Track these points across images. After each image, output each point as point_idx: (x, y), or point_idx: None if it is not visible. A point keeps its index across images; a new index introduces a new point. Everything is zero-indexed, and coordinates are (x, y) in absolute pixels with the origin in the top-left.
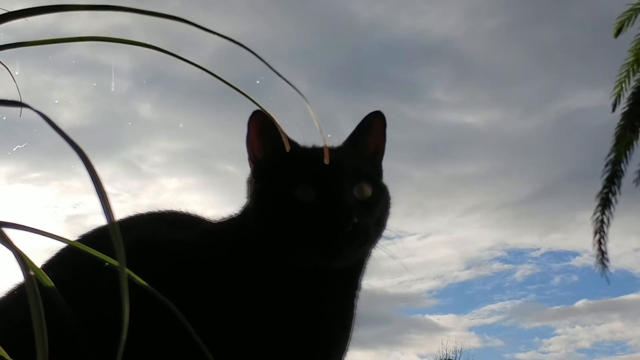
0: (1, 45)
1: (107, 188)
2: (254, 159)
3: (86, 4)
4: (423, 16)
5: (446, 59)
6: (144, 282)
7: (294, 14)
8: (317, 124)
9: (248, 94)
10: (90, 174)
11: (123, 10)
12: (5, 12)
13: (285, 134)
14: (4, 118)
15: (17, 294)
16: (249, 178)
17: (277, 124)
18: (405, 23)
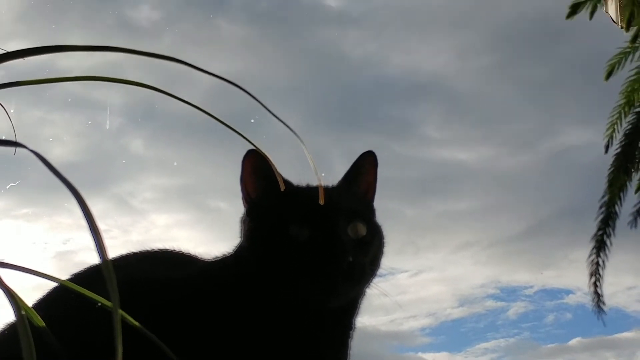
0: None
1: (99, 224)
2: (247, 198)
3: (83, 45)
4: (415, 54)
5: (438, 96)
6: (136, 323)
7: (287, 51)
8: (312, 163)
9: (242, 132)
10: (84, 214)
11: (118, 51)
12: (4, 52)
13: (279, 174)
14: None
15: (8, 333)
16: (242, 217)
17: (271, 163)
18: (397, 61)
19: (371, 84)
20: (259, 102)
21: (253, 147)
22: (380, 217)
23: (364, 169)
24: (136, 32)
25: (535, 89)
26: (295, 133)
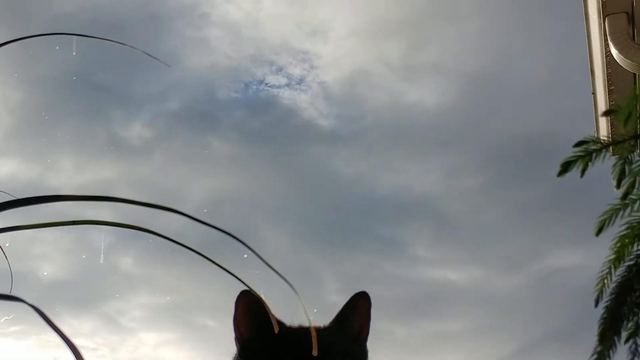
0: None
1: (87, 342)
2: (240, 339)
3: (79, 195)
4: (404, 174)
5: (427, 216)
6: None
7: (278, 169)
8: (306, 314)
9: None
10: None
11: (113, 201)
12: (9, 200)
13: (274, 316)
14: None
15: None
16: (235, 357)
17: (265, 305)
18: (387, 180)
19: (362, 202)
20: (254, 252)
21: (246, 288)
22: (370, 338)
23: (357, 310)
24: (127, 149)
25: (524, 210)
26: (289, 283)
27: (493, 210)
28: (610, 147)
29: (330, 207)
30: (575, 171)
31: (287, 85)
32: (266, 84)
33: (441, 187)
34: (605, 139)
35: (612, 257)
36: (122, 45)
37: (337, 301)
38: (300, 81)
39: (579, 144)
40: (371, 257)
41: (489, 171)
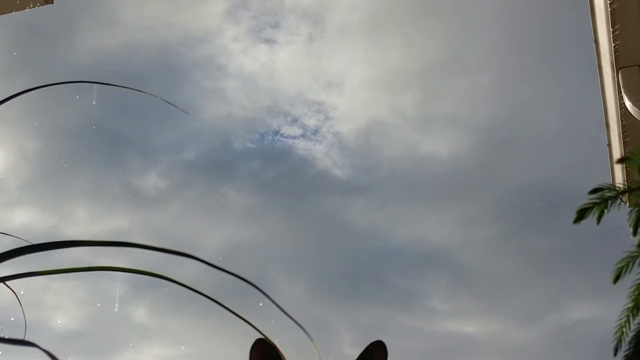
0: (11, 276)
1: None
2: None
3: (95, 240)
4: (419, 224)
5: (443, 267)
6: None
7: (293, 219)
8: (320, 359)
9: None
10: None
11: (128, 246)
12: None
13: None
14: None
15: None
16: None
17: (280, 353)
18: (402, 231)
19: (377, 253)
20: (271, 299)
21: (261, 336)
22: None
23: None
24: (143, 198)
25: (541, 260)
26: (306, 332)
27: (509, 260)
28: (626, 194)
29: (346, 258)
30: (591, 218)
31: (303, 135)
32: (281, 134)
33: (457, 238)
34: (621, 186)
35: (630, 305)
36: (140, 94)
37: (352, 354)
38: (316, 132)
39: (594, 191)
40: (387, 308)
41: (504, 221)
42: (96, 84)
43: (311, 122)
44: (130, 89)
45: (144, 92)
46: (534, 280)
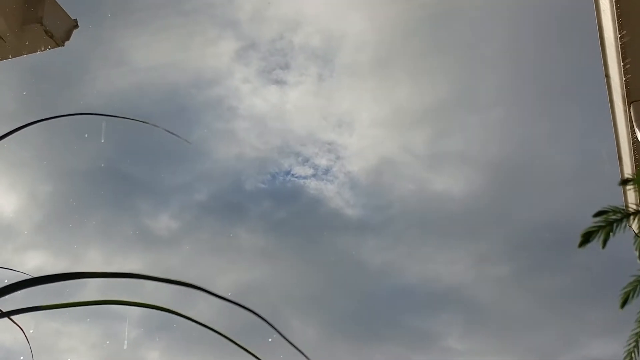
0: (18, 310)
1: None
2: None
3: (101, 272)
4: (432, 263)
5: (457, 306)
6: None
7: (305, 259)
8: None
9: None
10: None
11: (136, 278)
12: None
13: None
14: None
15: None
16: None
17: None
18: (415, 269)
19: (390, 292)
20: (282, 335)
21: None
22: None
23: None
24: (155, 240)
25: (555, 298)
26: None
27: (523, 298)
28: (631, 217)
29: (359, 297)
30: (597, 242)
31: (314, 175)
32: (293, 174)
33: (470, 276)
34: (625, 208)
35: (638, 330)
36: (147, 130)
37: None
38: (327, 171)
39: (598, 214)
40: (401, 348)
41: (516, 258)
42: (102, 116)
43: (322, 161)
44: (134, 119)
45: (147, 123)
46: (548, 317)
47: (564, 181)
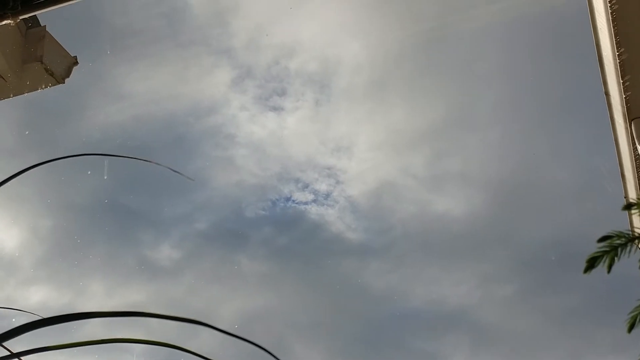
0: (28, 350)
1: None
2: None
3: (106, 311)
4: (436, 285)
5: (463, 327)
6: None
7: (308, 285)
8: None
9: None
10: None
11: (141, 316)
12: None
13: None
14: None
15: None
16: None
17: None
18: (419, 292)
19: (395, 315)
20: None
21: None
22: None
23: None
24: (157, 271)
25: (561, 316)
26: None
27: (528, 318)
28: (636, 241)
29: (363, 321)
30: (602, 267)
31: (314, 201)
32: (293, 200)
33: (475, 297)
34: (630, 232)
35: None
36: (148, 166)
37: None
38: (327, 196)
39: (603, 239)
40: None
41: (521, 278)
42: (105, 156)
43: (322, 187)
44: (137, 159)
45: (150, 162)
46: (556, 336)
47: (567, 199)
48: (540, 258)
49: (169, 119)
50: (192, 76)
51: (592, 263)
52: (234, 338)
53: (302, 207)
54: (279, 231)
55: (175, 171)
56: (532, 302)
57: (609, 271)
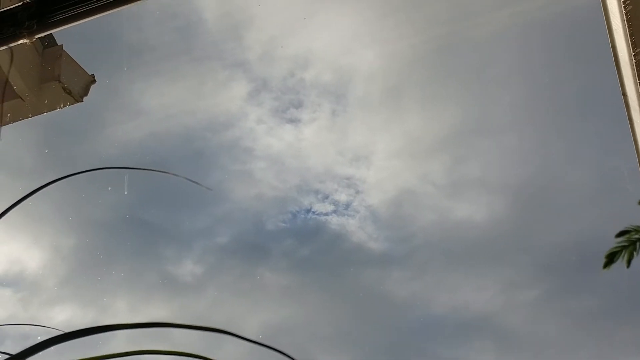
0: None
1: None
2: None
3: (131, 323)
4: (459, 291)
5: (488, 333)
6: None
7: (330, 296)
8: None
9: None
10: None
11: (164, 327)
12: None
13: None
14: None
15: None
16: None
17: None
18: (443, 299)
19: (419, 323)
20: None
21: None
22: None
23: None
24: (180, 286)
25: (585, 318)
26: None
27: (554, 321)
28: None
29: (387, 330)
30: (621, 261)
31: (334, 211)
32: (313, 212)
33: (498, 302)
34: None
35: None
36: (167, 181)
37: None
38: (347, 206)
39: (621, 234)
40: None
41: (544, 282)
42: (125, 170)
43: (342, 197)
44: (155, 170)
45: (168, 173)
46: (581, 338)
47: (586, 200)
48: (562, 261)
49: (186, 134)
50: (208, 91)
51: (611, 258)
52: (258, 348)
53: (323, 218)
54: (300, 243)
55: (193, 181)
56: (555, 305)
57: (628, 265)
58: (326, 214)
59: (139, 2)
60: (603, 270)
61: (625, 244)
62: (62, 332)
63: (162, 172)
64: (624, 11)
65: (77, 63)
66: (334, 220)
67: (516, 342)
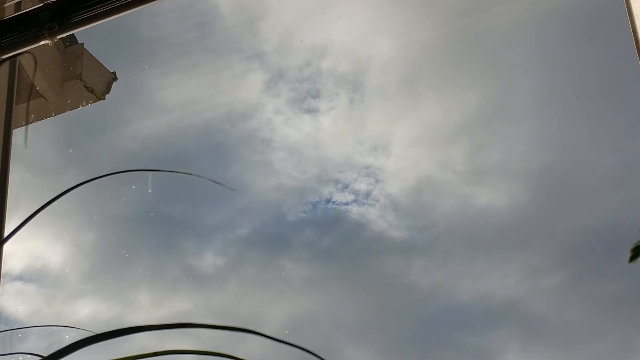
0: None
1: None
2: None
3: (159, 324)
4: (483, 279)
5: (513, 320)
6: None
7: (353, 286)
8: None
9: None
10: None
11: (192, 327)
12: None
13: None
14: None
15: None
16: None
17: None
18: (467, 287)
19: (443, 312)
20: None
21: None
22: None
23: None
24: (202, 279)
25: (611, 303)
26: None
27: (579, 307)
28: None
29: (411, 319)
30: None
31: (355, 201)
32: (333, 201)
33: (523, 289)
34: None
35: None
36: (188, 175)
37: None
38: (367, 196)
39: None
40: None
41: (568, 267)
42: (147, 171)
43: (362, 186)
44: (179, 172)
45: (192, 175)
46: (606, 324)
47: (610, 185)
48: (587, 246)
49: (205, 127)
50: (226, 84)
51: (637, 252)
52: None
53: (343, 207)
54: (321, 233)
55: (217, 182)
56: (580, 291)
57: None
58: (346, 204)
59: (158, 0)
60: (629, 263)
61: None
62: (91, 334)
63: (187, 173)
64: None
65: (98, 61)
66: (355, 210)
67: (542, 329)
